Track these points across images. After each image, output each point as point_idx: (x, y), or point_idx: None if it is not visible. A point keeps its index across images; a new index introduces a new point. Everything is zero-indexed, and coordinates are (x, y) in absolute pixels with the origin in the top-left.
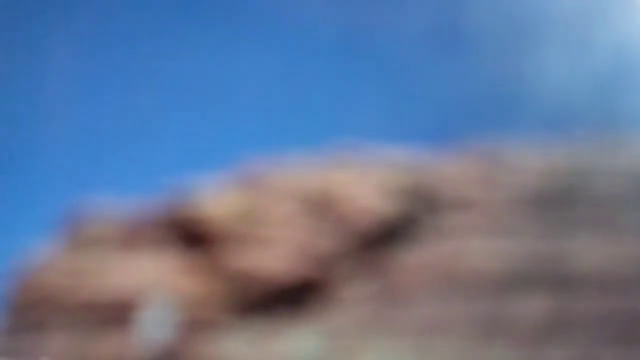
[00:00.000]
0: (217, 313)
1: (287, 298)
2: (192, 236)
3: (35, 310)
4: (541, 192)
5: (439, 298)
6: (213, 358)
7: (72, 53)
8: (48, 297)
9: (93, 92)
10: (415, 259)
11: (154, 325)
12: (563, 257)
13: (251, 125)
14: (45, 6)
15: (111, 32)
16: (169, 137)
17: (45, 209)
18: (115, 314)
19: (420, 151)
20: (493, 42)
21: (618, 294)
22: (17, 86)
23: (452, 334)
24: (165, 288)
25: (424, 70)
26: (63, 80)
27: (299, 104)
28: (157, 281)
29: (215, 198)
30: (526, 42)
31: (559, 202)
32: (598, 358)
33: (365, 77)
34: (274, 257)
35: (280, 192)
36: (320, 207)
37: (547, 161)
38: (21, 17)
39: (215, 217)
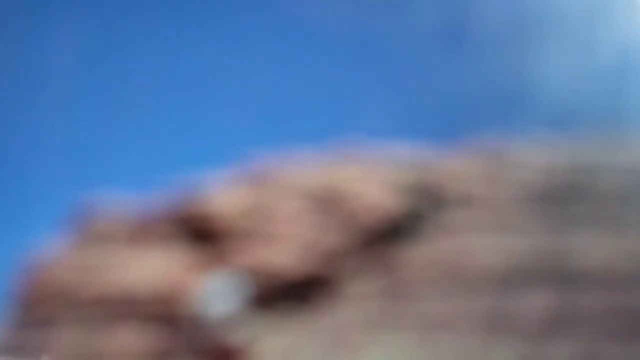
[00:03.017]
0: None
1: (293, 294)
2: (199, 232)
3: (44, 306)
4: (545, 189)
5: (444, 294)
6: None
7: (78, 49)
8: (57, 293)
9: (101, 87)
10: (420, 255)
11: (216, 297)
12: (567, 254)
13: (258, 122)
14: (46, 4)
15: (115, 28)
16: (177, 134)
17: (54, 206)
18: (124, 309)
19: (425, 148)
20: (497, 40)
21: (622, 290)
22: (25, 80)
23: (457, 330)
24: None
25: (429, 68)
26: (71, 75)
27: (306, 101)
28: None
29: (222, 194)
30: (530, 40)
31: (562, 199)
32: (602, 354)
33: (371, 75)
34: (280, 253)
35: (287, 189)
36: (327, 203)
37: (551, 158)
38: (21, 15)
39: (223, 213)
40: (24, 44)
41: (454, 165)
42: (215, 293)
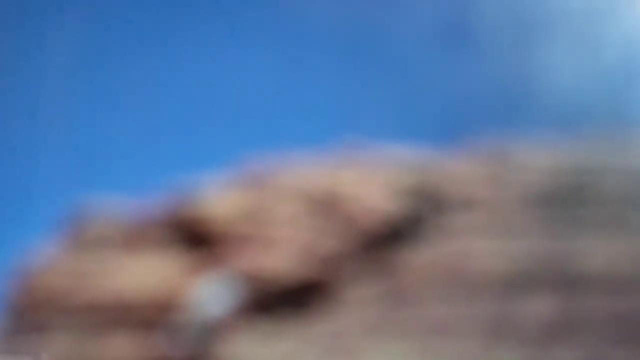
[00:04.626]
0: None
1: (291, 299)
2: (195, 236)
3: (38, 312)
4: (549, 191)
5: (445, 299)
6: (217, 358)
7: (73, 53)
8: (50, 298)
9: (95, 92)
10: (422, 259)
11: (211, 300)
12: (570, 257)
13: (255, 124)
14: (46, 6)
15: (112, 32)
16: (172, 136)
17: (48, 209)
18: (118, 315)
19: (426, 150)
20: (500, 40)
21: (626, 294)
22: (20, 86)
23: (459, 335)
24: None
25: (431, 69)
26: (65, 80)
27: (304, 103)
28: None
29: (219, 198)
30: (534, 40)
31: (566, 202)
32: (605, 358)
33: (371, 76)
34: (278, 258)
35: (285, 192)
36: (325, 206)
37: (555, 160)
38: (22, 17)
39: (219, 217)
40: (23, 46)
41: (455, 167)
42: (208, 297)
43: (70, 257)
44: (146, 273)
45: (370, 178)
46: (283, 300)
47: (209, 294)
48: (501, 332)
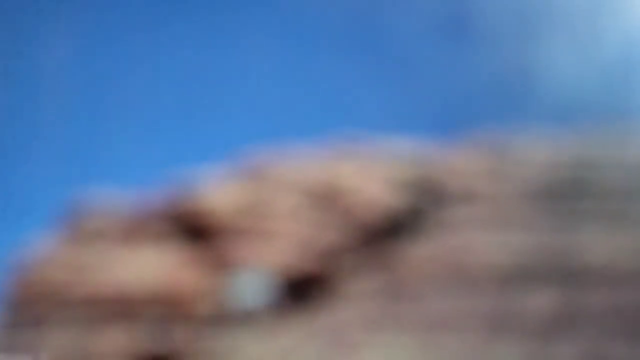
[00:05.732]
0: (220, 307)
1: (291, 292)
2: (194, 229)
3: (36, 306)
4: (549, 185)
5: (445, 292)
6: (217, 353)
7: (73, 46)
8: (49, 292)
9: (95, 84)
10: (422, 252)
11: (249, 289)
12: (571, 251)
13: (255, 117)
14: (44, 2)
15: (112, 24)
16: (171, 129)
17: (46, 203)
18: (117, 308)
19: (426, 143)
20: (501, 34)
21: (626, 287)
22: (19, 78)
23: (459, 329)
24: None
25: (431, 63)
26: (64, 72)
27: (304, 96)
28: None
29: (218, 190)
30: (534, 35)
31: (566, 195)
32: (606, 352)
33: (371, 69)
34: (277, 251)
35: (284, 185)
36: (325, 200)
37: (555, 154)
38: (20, 12)
39: (218, 209)
40: (20, 42)
41: (455, 160)
42: (238, 291)
43: (69, 250)
44: (145, 266)
45: (370, 171)
46: (283, 293)
47: (238, 289)
48: (501, 326)
